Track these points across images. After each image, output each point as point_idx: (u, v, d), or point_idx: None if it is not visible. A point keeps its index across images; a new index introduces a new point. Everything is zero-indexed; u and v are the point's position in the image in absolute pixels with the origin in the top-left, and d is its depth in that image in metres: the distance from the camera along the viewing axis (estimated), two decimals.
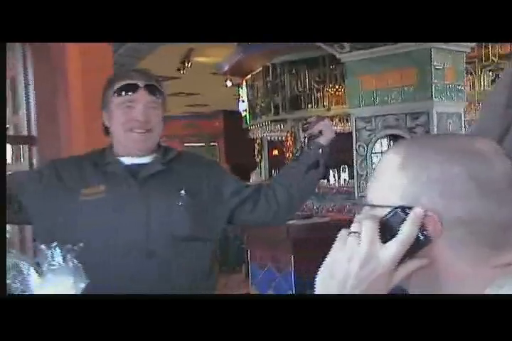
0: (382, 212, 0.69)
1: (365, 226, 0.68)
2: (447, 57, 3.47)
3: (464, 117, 3.75)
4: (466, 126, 3.83)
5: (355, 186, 3.87)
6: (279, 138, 8.13)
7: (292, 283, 3.56)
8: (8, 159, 2.70)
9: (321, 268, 0.71)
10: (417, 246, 0.67)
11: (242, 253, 5.28)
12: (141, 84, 1.60)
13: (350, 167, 6.31)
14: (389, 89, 3.58)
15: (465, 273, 0.68)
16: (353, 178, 4.08)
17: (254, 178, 7.69)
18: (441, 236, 0.67)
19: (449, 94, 3.49)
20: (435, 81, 3.39)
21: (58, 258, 1.13)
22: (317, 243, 3.85)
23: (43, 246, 1.14)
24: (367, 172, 3.78)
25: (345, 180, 6.44)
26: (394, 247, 0.66)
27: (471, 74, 5.18)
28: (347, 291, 0.68)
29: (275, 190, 1.73)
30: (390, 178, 0.70)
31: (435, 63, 3.39)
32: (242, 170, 8.81)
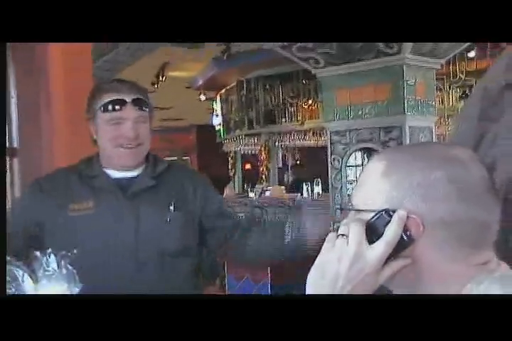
0: (368, 216, 0.73)
1: (352, 229, 0.72)
2: (418, 73, 3.58)
3: (435, 131, 3.86)
4: (437, 139, 3.94)
5: (330, 198, 3.93)
6: (253, 151, 8.21)
7: (269, 294, 3.59)
8: None
9: (312, 270, 0.74)
10: (400, 247, 0.71)
11: (217, 266, 5.28)
12: (128, 99, 1.56)
13: (324, 180, 6.41)
14: (363, 103, 3.67)
15: (446, 272, 0.73)
16: (328, 191, 4.15)
17: (227, 192, 7.70)
18: (423, 237, 0.71)
19: (420, 109, 3.60)
20: (407, 96, 3.50)
21: (53, 264, 1.16)
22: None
23: (37, 253, 1.16)
24: (341, 185, 3.86)
25: (318, 193, 6.51)
26: (380, 247, 0.71)
27: (440, 90, 5.35)
28: (337, 291, 0.71)
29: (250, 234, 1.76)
30: (374, 184, 0.75)
31: (407, 79, 3.50)
32: (215, 184, 8.82)
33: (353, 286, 0.71)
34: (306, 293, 0.74)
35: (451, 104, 5.68)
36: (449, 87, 5.67)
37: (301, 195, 6.62)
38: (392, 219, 0.71)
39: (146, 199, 1.60)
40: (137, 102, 1.58)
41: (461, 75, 5.40)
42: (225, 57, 6.25)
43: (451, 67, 5.39)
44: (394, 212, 0.71)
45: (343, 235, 0.72)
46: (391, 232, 0.70)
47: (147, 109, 1.62)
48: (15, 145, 2.44)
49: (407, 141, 3.48)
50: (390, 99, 3.56)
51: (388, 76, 3.55)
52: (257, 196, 6.72)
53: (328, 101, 3.94)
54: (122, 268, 1.56)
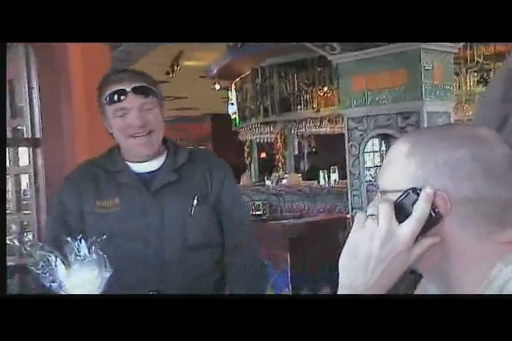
0: (395, 196, 0.74)
1: (381, 209, 0.73)
2: (436, 58, 3.56)
3: (453, 116, 3.84)
4: None
5: (348, 185, 3.94)
6: (269, 140, 8.21)
7: (289, 280, 3.62)
8: (10, 162, 2.74)
9: (343, 252, 0.75)
10: (429, 224, 0.72)
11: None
12: (127, 88, 1.54)
13: (340, 167, 6.41)
14: (380, 89, 3.66)
15: (473, 249, 0.73)
16: (346, 178, 4.15)
17: (244, 180, 7.74)
18: (450, 214, 0.72)
19: (438, 93, 3.58)
20: (425, 81, 3.48)
21: (84, 249, 1.19)
22: (311, 241, 3.93)
23: (69, 239, 1.19)
24: (359, 171, 3.86)
25: (335, 180, 6.51)
26: (410, 225, 0.71)
27: (457, 74, 5.29)
28: (369, 272, 0.72)
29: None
30: (399, 165, 0.76)
31: (424, 64, 3.48)
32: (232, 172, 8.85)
33: (386, 266, 0.72)
34: (339, 276, 0.74)
35: (468, 88, 5.63)
36: (466, 72, 5.62)
37: (318, 182, 6.63)
38: (420, 197, 0.72)
39: (170, 195, 1.60)
40: (138, 90, 1.56)
41: (478, 59, 5.35)
42: (239, 46, 6.24)
43: (468, 51, 5.33)
44: (421, 190, 0.72)
45: (372, 215, 0.73)
46: (420, 209, 0.71)
47: (152, 96, 1.59)
48: (37, 136, 2.48)
49: (426, 127, 3.47)
50: (407, 84, 3.55)
51: (405, 61, 3.54)
52: (274, 184, 6.74)
53: (344, 88, 3.93)
54: (148, 266, 1.57)
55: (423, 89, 3.48)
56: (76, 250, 1.18)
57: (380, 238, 0.72)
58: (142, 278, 1.57)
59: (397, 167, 0.76)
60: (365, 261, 0.72)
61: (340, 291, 0.74)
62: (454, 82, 4.15)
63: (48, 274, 1.16)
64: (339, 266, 0.75)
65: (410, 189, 0.73)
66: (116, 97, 1.54)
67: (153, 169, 1.63)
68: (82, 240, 1.19)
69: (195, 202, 1.60)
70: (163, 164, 1.64)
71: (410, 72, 3.50)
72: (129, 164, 1.64)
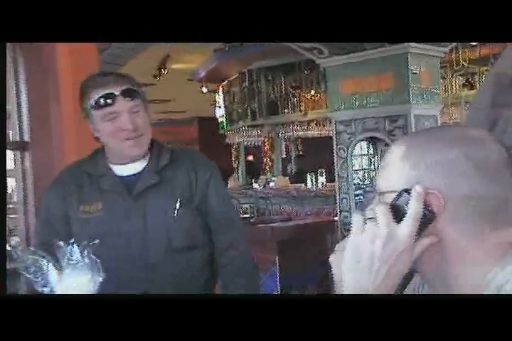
0: (391, 198, 0.76)
1: (378, 211, 0.74)
2: (422, 62, 3.59)
3: (439, 120, 3.88)
4: None
5: (337, 187, 3.95)
6: (256, 143, 8.22)
7: (277, 283, 3.62)
8: None
9: (346, 255, 0.75)
10: (424, 223, 0.74)
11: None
12: (116, 91, 1.52)
13: (328, 170, 6.43)
14: (368, 93, 3.68)
15: (469, 249, 0.74)
16: (333, 181, 4.17)
17: (232, 183, 7.73)
18: (444, 213, 0.73)
19: (425, 97, 3.61)
20: (412, 85, 3.51)
21: (76, 253, 1.18)
22: (300, 243, 3.93)
23: (61, 243, 1.18)
24: (347, 174, 3.87)
25: (322, 183, 6.53)
26: (407, 224, 0.73)
27: (443, 78, 5.34)
28: (373, 273, 0.73)
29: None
30: (394, 168, 0.78)
31: (411, 67, 3.51)
32: None
33: (389, 266, 0.72)
34: (344, 280, 0.74)
35: (454, 92, 5.68)
36: (452, 75, 5.67)
37: (306, 185, 6.65)
38: (411, 196, 0.73)
39: (152, 197, 1.59)
40: (127, 93, 1.53)
41: (464, 63, 5.40)
42: (226, 49, 6.25)
43: (454, 55, 5.39)
44: (410, 190, 0.74)
45: (371, 218, 0.74)
46: (413, 208, 0.73)
47: (138, 98, 1.57)
48: (26, 138, 2.46)
49: (413, 130, 3.49)
50: (394, 88, 3.57)
51: (392, 65, 3.56)
52: (262, 187, 6.74)
53: (332, 91, 3.95)
54: (134, 269, 1.57)
55: (410, 93, 3.50)
56: (69, 254, 1.18)
57: (382, 239, 0.73)
58: (130, 280, 1.56)
59: (393, 169, 0.78)
60: (369, 262, 0.73)
61: (346, 292, 0.75)
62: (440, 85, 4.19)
63: (39, 278, 1.16)
64: (342, 269, 0.75)
65: (403, 190, 0.75)
66: (104, 101, 1.52)
67: (136, 172, 1.62)
68: (75, 244, 1.19)
69: (177, 203, 1.59)
70: (146, 166, 1.62)
71: (397, 75, 3.53)
72: (112, 167, 1.63)
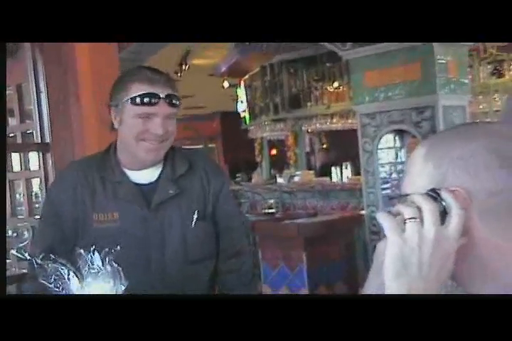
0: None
1: (425, 210, 0.69)
2: (450, 51, 3.49)
3: (468, 110, 3.77)
4: (470, 118, 3.84)
5: (363, 181, 3.88)
6: (279, 137, 8.15)
7: (305, 280, 3.57)
8: (19, 167, 2.71)
9: (388, 264, 0.69)
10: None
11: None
12: (162, 94, 1.46)
13: (353, 164, 6.34)
14: (393, 84, 3.59)
15: (499, 246, 0.70)
16: (358, 174, 4.10)
17: (256, 178, 7.69)
18: (471, 209, 0.70)
19: (453, 87, 3.51)
20: (439, 75, 3.41)
21: (97, 261, 1.14)
22: (327, 239, 3.87)
23: (81, 250, 1.15)
24: (374, 168, 3.79)
25: (347, 177, 6.46)
26: (455, 222, 0.69)
27: (470, 67, 5.20)
28: (422, 279, 0.68)
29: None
30: (418, 168, 0.75)
31: (438, 57, 3.41)
32: (242, 171, 8.83)
33: (438, 268, 0.68)
34: (389, 287, 0.69)
35: (482, 80, 5.53)
36: (480, 64, 5.51)
37: (331, 179, 6.58)
38: (443, 195, 0.70)
39: (170, 209, 1.56)
40: (171, 98, 1.48)
41: (491, 50, 5.24)
42: (247, 43, 6.18)
43: (480, 43, 5.23)
44: (439, 189, 0.71)
45: (413, 218, 0.69)
46: (455, 208, 0.69)
47: (178, 106, 1.51)
48: (47, 140, 2.44)
49: (441, 121, 3.40)
50: (420, 78, 3.48)
51: (418, 55, 3.47)
52: (286, 182, 6.69)
53: (356, 83, 3.87)
54: (149, 282, 1.53)
55: (437, 83, 3.40)
56: (89, 262, 1.14)
57: (431, 242, 0.68)
58: (145, 292, 1.50)
59: (417, 170, 0.76)
60: (417, 269, 0.68)
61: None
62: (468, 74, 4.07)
63: (60, 288, 1.12)
64: (388, 278, 0.69)
65: (431, 190, 0.71)
66: (149, 100, 1.45)
67: (152, 179, 1.57)
68: (96, 252, 1.15)
69: (195, 215, 1.57)
70: (161, 173, 1.58)
71: (424, 65, 3.43)
72: (127, 172, 1.57)
